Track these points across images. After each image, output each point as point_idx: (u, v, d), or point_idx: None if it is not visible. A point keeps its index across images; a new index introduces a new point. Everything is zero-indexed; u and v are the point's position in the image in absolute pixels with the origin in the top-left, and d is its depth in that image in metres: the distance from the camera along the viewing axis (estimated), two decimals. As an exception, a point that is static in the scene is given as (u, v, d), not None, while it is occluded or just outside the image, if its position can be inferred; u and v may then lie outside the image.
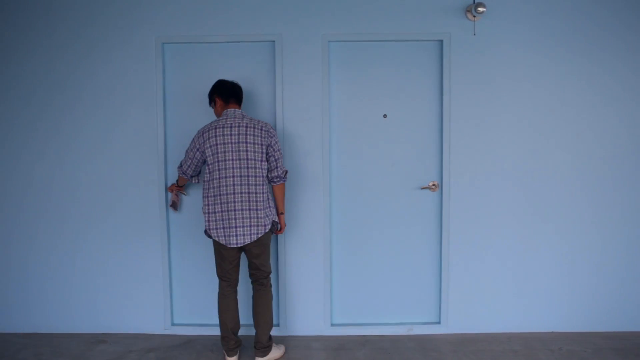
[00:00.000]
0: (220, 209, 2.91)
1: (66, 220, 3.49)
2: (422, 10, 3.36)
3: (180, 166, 3.14)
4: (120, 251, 3.50)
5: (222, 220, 2.92)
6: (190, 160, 3.05)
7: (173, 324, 3.55)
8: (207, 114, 3.44)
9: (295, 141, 3.40)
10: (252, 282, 3.11)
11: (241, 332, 3.43)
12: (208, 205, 2.94)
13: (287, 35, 3.37)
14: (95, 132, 3.45)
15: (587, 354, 3.21)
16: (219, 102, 3.06)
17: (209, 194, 2.94)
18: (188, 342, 3.40)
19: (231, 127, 2.94)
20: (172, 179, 3.48)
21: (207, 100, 3.42)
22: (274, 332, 3.48)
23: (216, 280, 3.50)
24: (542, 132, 3.41)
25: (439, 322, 3.53)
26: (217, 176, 2.91)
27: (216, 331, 3.49)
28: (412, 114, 3.45)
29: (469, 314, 3.50)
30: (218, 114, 3.09)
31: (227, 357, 3.09)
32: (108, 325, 3.54)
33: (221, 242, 2.94)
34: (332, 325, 3.52)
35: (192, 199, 3.49)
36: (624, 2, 3.36)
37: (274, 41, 3.39)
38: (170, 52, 3.45)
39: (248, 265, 3.08)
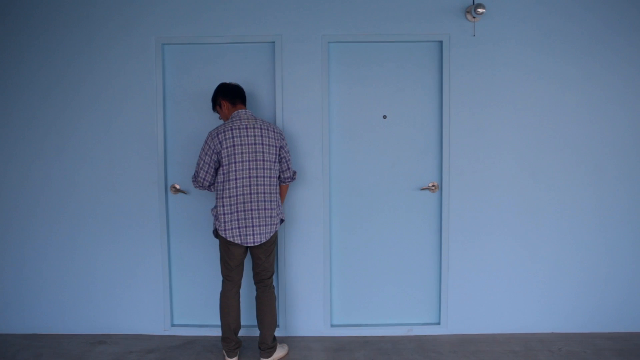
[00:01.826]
0: (236, 209, 2.94)
1: (67, 221, 3.49)
2: (421, 11, 3.37)
3: (195, 179, 3.02)
4: (120, 252, 3.49)
5: (238, 220, 2.94)
6: (207, 166, 2.97)
7: (173, 325, 3.55)
8: (207, 115, 3.45)
9: (295, 142, 3.40)
10: (256, 283, 3.12)
11: (240, 333, 3.43)
12: (223, 206, 2.94)
13: (286, 36, 3.38)
14: (95, 133, 3.45)
15: (587, 354, 3.20)
16: (225, 104, 3.07)
17: (224, 195, 2.94)
18: (188, 343, 3.40)
19: (247, 128, 2.96)
20: (172, 180, 3.49)
21: (207, 101, 3.43)
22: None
23: (216, 281, 3.50)
24: (541, 132, 3.41)
25: (438, 323, 3.53)
26: (234, 177, 2.93)
27: (216, 332, 3.49)
28: (412, 115, 3.45)
29: (469, 315, 3.50)
30: (226, 117, 3.10)
31: (227, 358, 3.09)
32: (108, 326, 3.54)
33: (236, 242, 2.96)
34: (332, 326, 3.52)
35: (194, 197, 3.49)
36: (622, 7, 3.36)
37: (273, 42, 3.39)
38: (170, 53, 3.45)
39: (253, 266, 3.10)
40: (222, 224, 2.95)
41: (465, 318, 3.50)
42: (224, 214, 2.95)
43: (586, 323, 3.50)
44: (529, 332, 3.50)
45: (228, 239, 2.97)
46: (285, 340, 3.42)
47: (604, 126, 3.42)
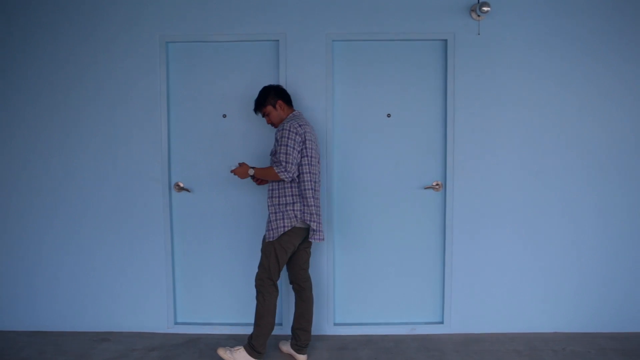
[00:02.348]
0: (315, 202, 2.99)
1: (70, 219, 3.49)
2: (426, 9, 3.36)
3: (285, 168, 2.89)
4: (124, 249, 3.50)
5: (317, 214, 3.00)
6: (296, 153, 2.92)
7: (176, 323, 3.55)
8: (211, 113, 3.45)
9: (299, 140, 3.40)
10: (302, 282, 3.12)
11: (247, 332, 3.44)
12: (308, 198, 2.95)
13: (291, 35, 3.37)
14: (99, 131, 3.45)
15: (591, 354, 3.20)
16: (283, 105, 3.08)
17: (306, 187, 2.95)
18: (191, 341, 3.40)
19: (312, 127, 3.08)
20: (176, 178, 3.48)
21: (210, 99, 3.42)
22: (276, 331, 3.47)
23: (219, 279, 3.51)
24: (546, 131, 3.40)
25: (442, 322, 3.53)
26: (309, 170, 2.97)
27: (218, 330, 3.50)
28: (416, 114, 3.44)
29: (472, 314, 3.49)
30: (280, 118, 3.08)
31: (261, 356, 3.04)
32: (111, 323, 3.54)
33: (317, 237, 2.98)
34: (335, 324, 3.52)
35: (197, 195, 3.49)
36: (627, 5, 3.35)
37: (278, 40, 3.38)
38: (175, 51, 3.45)
39: (298, 266, 3.11)
40: (310, 215, 2.95)
41: (468, 317, 3.49)
42: (308, 206, 2.95)
43: (590, 323, 3.49)
44: (533, 332, 3.49)
45: (316, 230, 2.97)
46: (287, 338, 3.41)
47: (608, 126, 3.40)
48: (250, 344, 3.01)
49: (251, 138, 3.45)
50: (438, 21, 3.36)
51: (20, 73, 3.44)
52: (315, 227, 2.97)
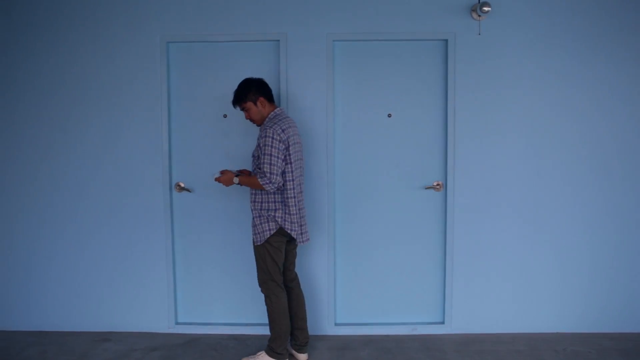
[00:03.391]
0: (297, 209, 2.98)
1: (71, 219, 3.50)
2: (427, 9, 3.35)
3: (270, 180, 2.83)
4: (125, 249, 3.50)
5: (300, 218, 3.01)
6: (280, 162, 2.86)
7: (177, 323, 3.55)
8: (212, 113, 3.45)
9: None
10: (291, 281, 3.15)
11: (251, 332, 3.45)
12: (290, 206, 2.93)
13: (292, 35, 3.37)
14: (100, 131, 3.45)
15: (592, 354, 3.19)
16: (264, 101, 2.99)
17: (289, 195, 2.93)
18: (192, 341, 3.41)
19: (295, 127, 3.01)
20: (177, 178, 3.49)
21: (211, 98, 3.42)
22: (277, 331, 3.48)
23: (220, 278, 3.52)
24: (547, 132, 3.40)
25: (442, 322, 3.52)
26: (292, 177, 2.93)
27: (220, 330, 3.50)
28: (417, 114, 3.44)
29: (473, 314, 3.49)
30: (260, 115, 3.00)
31: (282, 357, 3.04)
32: (112, 323, 3.54)
33: (304, 239, 3.05)
34: (336, 324, 3.52)
35: (198, 196, 3.50)
36: (628, 4, 3.34)
37: (278, 40, 3.38)
38: (175, 51, 3.45)
39: (286, 267, 3.12)
40: (290, 225, 2.93)
41: (469, 317, 3.49)
42: (290, 214, 2.93)
43: (591, 323, 3.48)
44: (534, 332, 3.48)
45: (297, 239, 3.00)
46: (289, 338, 3.42)
47: (610, 125, 3.40)
48: (270, 347, 3.02)
49: (252, 138, 3.43)
50: (439, 21, 3.36)
51: (23, 75, 3.44)
52: (295, 236, 2.97)
